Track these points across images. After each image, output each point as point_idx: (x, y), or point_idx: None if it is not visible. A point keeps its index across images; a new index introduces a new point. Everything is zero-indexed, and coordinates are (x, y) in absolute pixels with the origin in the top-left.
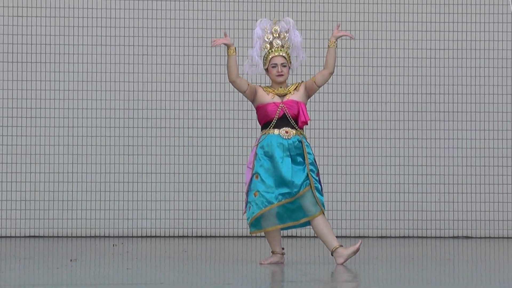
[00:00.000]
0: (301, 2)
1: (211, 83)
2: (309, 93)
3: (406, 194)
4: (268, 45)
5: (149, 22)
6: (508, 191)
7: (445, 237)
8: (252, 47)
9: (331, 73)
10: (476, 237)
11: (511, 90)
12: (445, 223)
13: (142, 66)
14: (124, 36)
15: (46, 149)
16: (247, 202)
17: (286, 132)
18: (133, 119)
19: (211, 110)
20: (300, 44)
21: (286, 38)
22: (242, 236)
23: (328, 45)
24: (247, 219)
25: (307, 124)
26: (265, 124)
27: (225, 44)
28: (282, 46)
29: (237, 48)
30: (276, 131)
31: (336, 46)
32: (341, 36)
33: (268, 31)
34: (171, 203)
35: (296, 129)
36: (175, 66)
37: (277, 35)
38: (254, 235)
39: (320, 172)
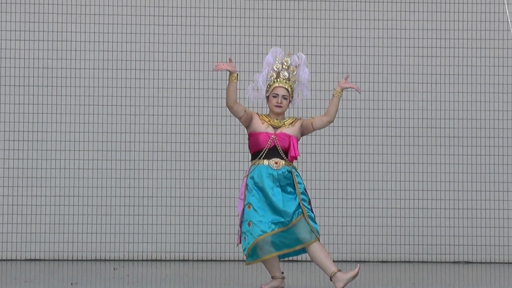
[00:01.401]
0: (307, 27)
1: (205, 107)
2: (303, 132)
3: (406, 218)
4: (274, 74)
5: (145, 46)
6: (509, 216)
7: (446, 262)
8: (259, 71)
9: (330, 122)
10: (477, 262)
11: (509, 115)
12: (445, 248)
13: (138, 90)
14: (120, 60)
15: (46, 173)
16: (241, 233)
17: (276, 163)
18: (132, 143)
19: (209, 134)
20: (306, 81)
21: (295, 72)
22: (243, 260)
23: (333, 94)
24: (244, 250)
25: (296, 159)
26: (255, 153)
27: (228, 70)
28: (288, 79)
29: (239, 74)
30: (265, 161)
31: (341, 96)
32: (347, 88)
33: (279, 61)
34: (172, 226)
35: (286, 160)
36: (171, 90)
37: (287, 67)
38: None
39: (317, 196)
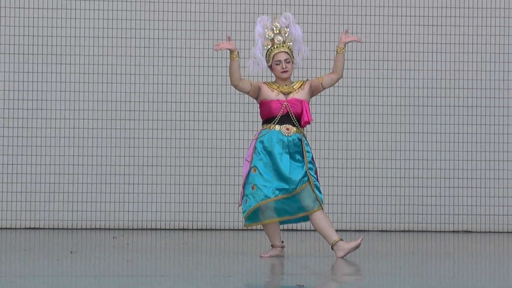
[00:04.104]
0: None
1: (208, 75)
2: (313, 93)
3: (406, 188)
4: (269, 42)
5: (146, 14)
6: (509, 185)
7: (446, 232)
8: (253, 45)
9: (339, 78)
10: (476, 232)
11: (509, 84)
12: (445, 218)
13: (139, 59)
14: (121, 29)
15: (46, 141)
16: (243, 195)
17: (287, 129)
18: (133, 112)
19: (210, 103)
20: (301, 38)
21: (287, 34)
22: (242, 229)
23: (336, 51)
24: (243, 212)
25: (309, 123)
26: (268, 119)
27: (228, 49)
28: (284, 42)
29: (240, 41)
30: (277, 127)
31: (345, 51)
32: (349, 42)
33: (269, 28)
34: (171, 195)
35: (297, 127)
36: (172, 58)
37: (278, 31)
38: (250, 228)
39: (320, 166)
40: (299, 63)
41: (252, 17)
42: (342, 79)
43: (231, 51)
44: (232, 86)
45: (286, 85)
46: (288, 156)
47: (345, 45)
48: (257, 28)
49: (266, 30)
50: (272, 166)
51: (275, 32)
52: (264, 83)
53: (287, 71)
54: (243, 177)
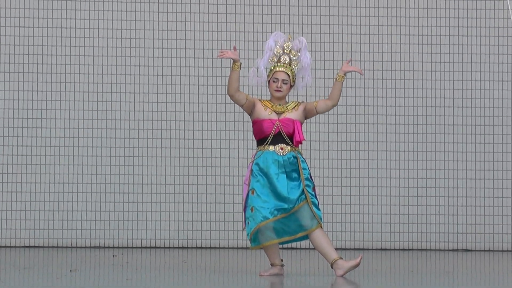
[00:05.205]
0: (308, 14)
1: (210, 94)
2: (307, 115)
3: (406, 206)
4: (275, 59)
5: (146, 33)
6: (509, 204)
7: (445, 250)
8: (261, 57)
9: (334, 106)
10: (476, 250)
11: (509, 103)
12: (445, 236)
13: (143, 77)
14: (121, 47)
15: (46, 160)
16: (245, 219)
17: (281, 148)
18: (133, 130)
19: (211, 121)
20: (309, 66)
21: (296, 57)
22: (242, 248)
23: (336, 79)
24: (247, 235)
25: (301, 143)
26: (261, 140)
27: (232, 58)
28: (289, 64)
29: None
30: (271, 147)
31: (344, 80)
32: (350, 71)
33: (279, 46)
34: (171, 214)
35: (291, 146)
36: (175, 77)
37: (288, 51)
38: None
39: (320, 184)
40: (300, 89)
41: (252, 36)
42: (344, 97)
43: (234, 61)
44: (231, 104)
45: (280, 105)
46: (284, 175)
47: (345, 74)
48: (269, 42)
49: (277, 46)
50: (270, 187)
51: (285, 51)
52: (259, 100)
53: (280, 91)
54: (243, 201)
